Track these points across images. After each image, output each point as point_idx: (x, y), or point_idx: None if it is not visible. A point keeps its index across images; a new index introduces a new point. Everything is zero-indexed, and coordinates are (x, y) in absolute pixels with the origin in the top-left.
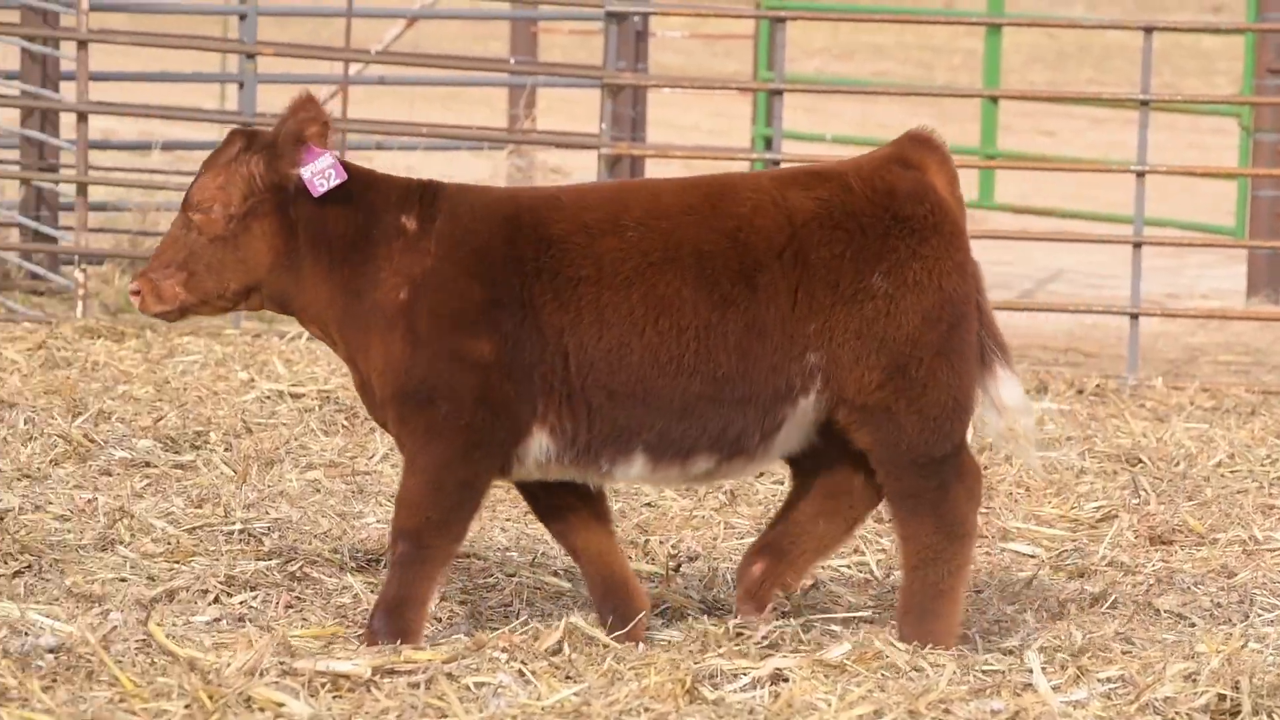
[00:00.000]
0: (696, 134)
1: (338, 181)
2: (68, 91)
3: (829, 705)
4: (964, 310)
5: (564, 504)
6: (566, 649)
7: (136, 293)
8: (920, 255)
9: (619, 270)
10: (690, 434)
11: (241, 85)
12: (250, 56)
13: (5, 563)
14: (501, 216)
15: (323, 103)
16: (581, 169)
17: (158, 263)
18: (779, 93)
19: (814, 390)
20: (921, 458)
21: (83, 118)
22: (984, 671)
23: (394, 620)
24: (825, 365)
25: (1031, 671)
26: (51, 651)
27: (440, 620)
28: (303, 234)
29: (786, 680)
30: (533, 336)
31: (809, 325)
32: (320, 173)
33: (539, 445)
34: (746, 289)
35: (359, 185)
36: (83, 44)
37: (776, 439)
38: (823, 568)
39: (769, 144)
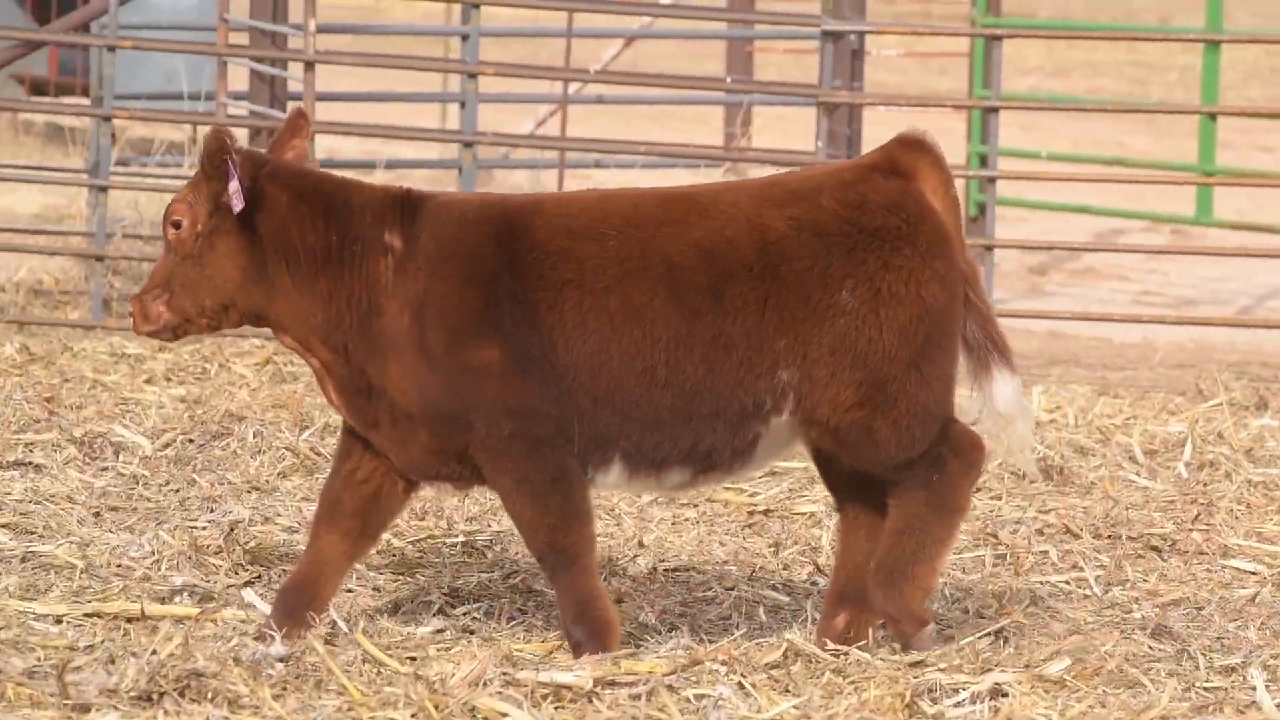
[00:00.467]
0: None
1: (239, 206)
2: None
3: None
4: (944, 321)
5: (342, 510)
6: (786, 663)
7: (131, 314)
8: (893, 267)
9: (599, 276)
10: (663, 446)
11: (463, 105)
12: (472, 76)
13: (236, 573)
14: (486, 222)
15: (542, 120)
16: None
17: (149, 284)
18: (995, 110)
19: (787, 409)
20: (904, 461)
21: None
22: (1206, 688)
23: (585, 624)
24: (798, 383)
25: (1255, 689)
26: (281, 660)
27: (660, 633)
28: (268, 248)
29: (1006, 695)
30: (531, 334)
31: (779, 341)
32: (235, 192)
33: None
34: (713, 302)
35: (331, 196)
36: (309, 65)
37: (752, 456)
38: (1040, 583)
39: (984, 161)
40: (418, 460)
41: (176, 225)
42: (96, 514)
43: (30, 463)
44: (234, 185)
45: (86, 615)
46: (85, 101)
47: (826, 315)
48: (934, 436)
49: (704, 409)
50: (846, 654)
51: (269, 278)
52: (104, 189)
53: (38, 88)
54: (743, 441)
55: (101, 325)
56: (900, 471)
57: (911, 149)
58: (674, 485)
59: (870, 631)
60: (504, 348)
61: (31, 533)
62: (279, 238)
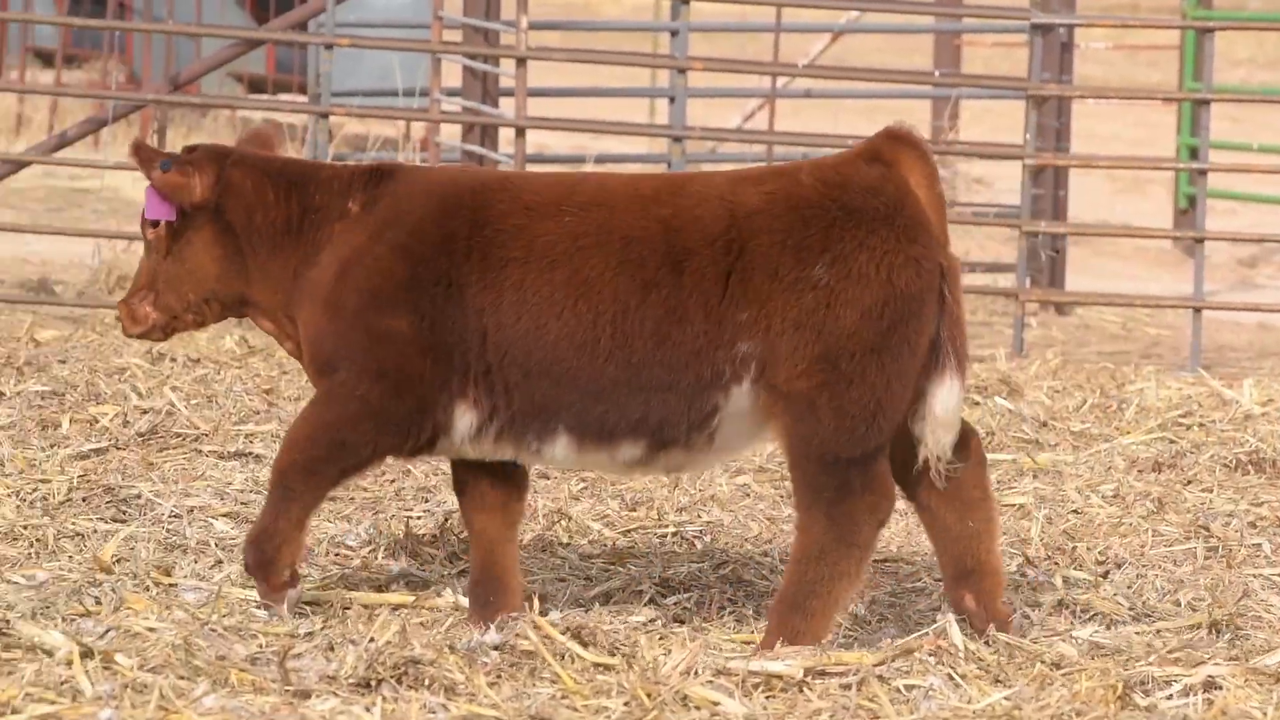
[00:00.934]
0: (1117, 144)
1: (154, 214)
2: (506, 107)
3: (1264, 715)
4: (913, 308)
5: (480, 489)
6: (996, 654)
7: (119, 317)
8: (867, 246)
9: (548, 252)
10: (609, 417)
11: (672, 99)
12: (681, 71)
13: (451, 561)
14: (441, 196)
15: (750, 115)
16: (1005, 180)
17: (134, 286)
18: (1206, 103)
19: (747, 379)
20: (829, 455)
21: (520, 133)
22: None
23: (257, 551)
24: (760, 354)
25: None
26: (496, 648)
27: (869, 624)
28: (240, 234)
29: (1219, 688)
30: (454, 315)
31: (741, 314)
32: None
33: (463, 421)
34: (671, 274)
35: (297, 176)
36: (521, 61)
37: (711, 430)
38: (1253, 575)
39: (1194, 154)
40: None
41: (155, 224)
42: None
43: (250, 453)
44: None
45: (306, 603)
46: (302, 99)
47: (795, 288)
48: (875, 443)
49: (653, 381)
50: (1050, 645)
51: (242, 262)
52: None
53: (256, 85)
54: (699, 414)
55: None
56: (817, 474)
57: (897, 141)
58: (629, 461)
59: (1000, 601)
60: (416, 323)
61: (252, 522)
62: (244, 220)
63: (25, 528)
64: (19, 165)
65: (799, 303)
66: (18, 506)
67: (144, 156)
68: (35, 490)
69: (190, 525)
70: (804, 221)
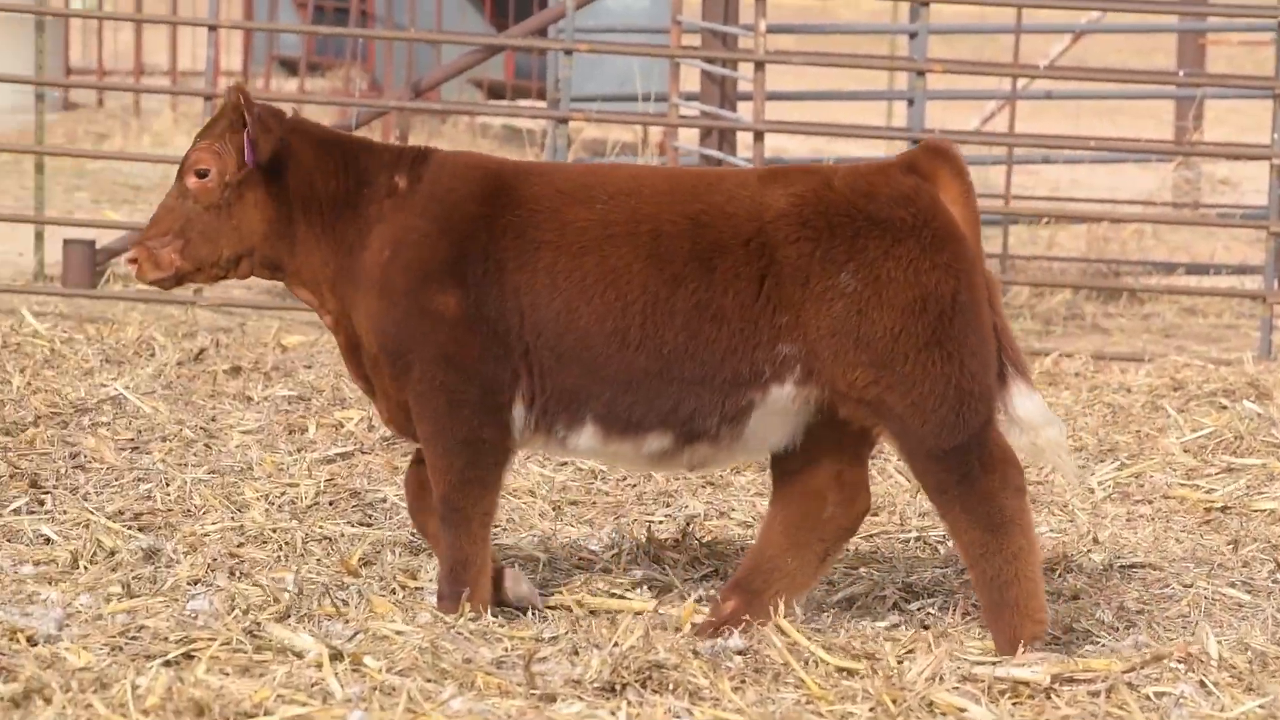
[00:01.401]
0: None
1: (251, 161)
2: (744, 111)
3: None
4: (959, 305)
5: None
6: (1245, 661)
7: (134, 260)
8: (894, 255)
9: (580, 238)
10: (638, 408)
11: (911, 102)
12: (920, 74)
13: (693, 566)
14: (480, 177)
15: (989, 117)
16: (1251, 181)
17: (154, 230)
18: None
19: (790, 381)
20: (935, 450)
21: (759, 137)
22: None
23: (454, 584)
24: (804, 358)
25: None
26: (740, 653)
27: (1116, 630)
28: (294, 198)
29: None
30: (494, 291)
31: (781, 317)
32: (248, 146)
33: (517, 408)
34: (702, 270)
35: (350, 150)
36: (760, 65)
37: (745, 425)
38: None
39: None
40: (394, 416)
41: (201, 174)
42: (556, 508)
43: None
44: (247, 139)
45: (550, 607)
46: (541, 104)
47: (825, 296)
48: (975, 425)
49: (685, 374)
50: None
51: (293, 229)
52: None
53: (495, 91)
54: (733, 408)
55: None
56: (934, 469)
57: (935, 155)
58: (654, 454)
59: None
60: (462, 299)
61: (495, 526)
62: (303, 188)
63: (274, 531)
64: None
65: (830, 311)
66: (266, 510)
67: (249, 101)
68: (283, 494)
69: None
70: (830, 229)
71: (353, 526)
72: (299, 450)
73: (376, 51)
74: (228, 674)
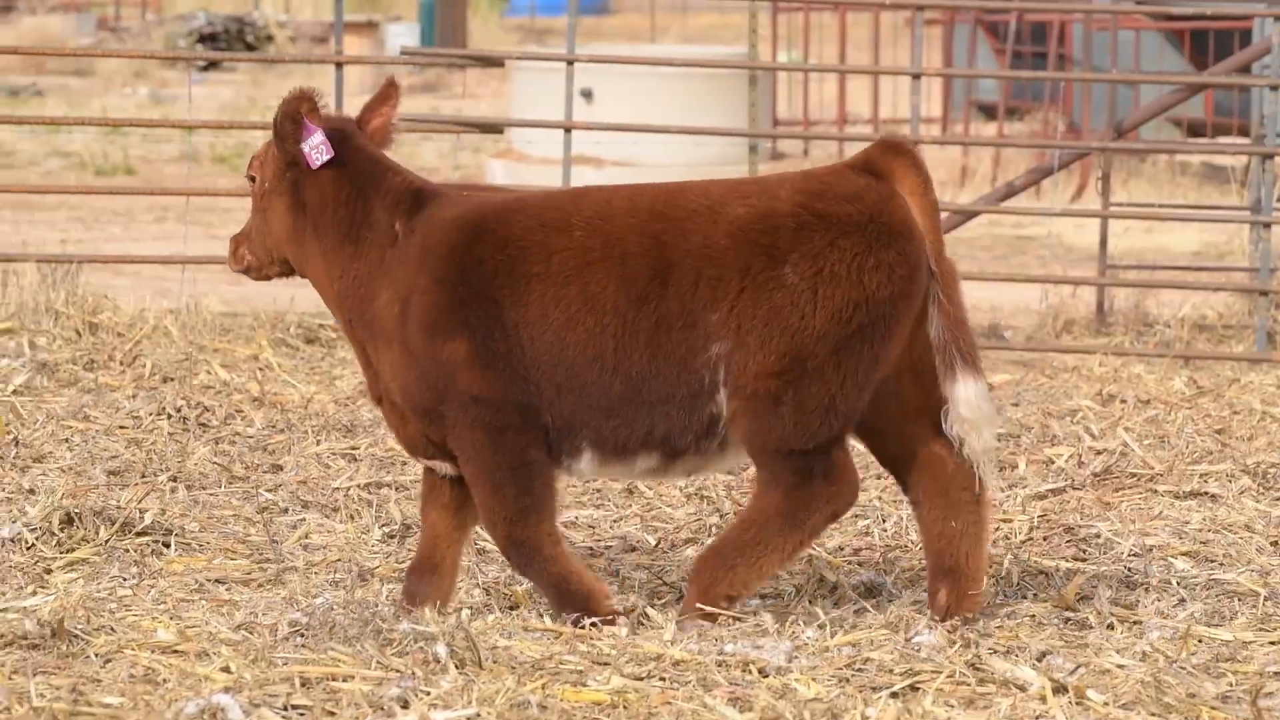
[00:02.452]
0: None
1: (328, 156)
2: None
3: None
4: (884, 313)
5: (439, 487)
6: None
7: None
8: (838, 247)
9: (563, 267)
10: (622, 432)
11: None
12: None
13: None
14: (467, 222)
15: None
16: None
17: (244, 228)
18: None
19: (722, 383)
20: (786, 450)
21: None
22: None
23: (569, 604)
24: (729, 353)
25: None
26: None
27: None
28: (308, 213)
29: None
30: (496, 329)
31: (713, 314)
32: (315, 147)
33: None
34: (659, 287)
35: (363, 177)
36: None
37: (717, 436)
38: None
39: None
40: (415, 441)
41: (252, 179)
42: (1274, 543)
43: (1206, 493)
44: (316, 139)
45: (1272, 642)
46: (1243, 140)
47: (765, 287)
48: (828, 437)
49: (653, 394)
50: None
51: (304, 240)
52: (1266, 225)
53: (1194, 129)
54: (700, 423)
55: (1267, 358)
56: (777, 462)
57: (890, 151)
58: (647, 471)
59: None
60: (470, 341)
61: (1212, 560)
62: (316, 206)
63: (990, 565)
64: (967, 215)
65: (769, 300)
66: None
67: (315, 103)
68: (997, 529)
69: (1150, 564)
70: (775, 228)
71: (1067, 562)
72: (1010, 486)
73: (1075, 94)
74: (952, 705)
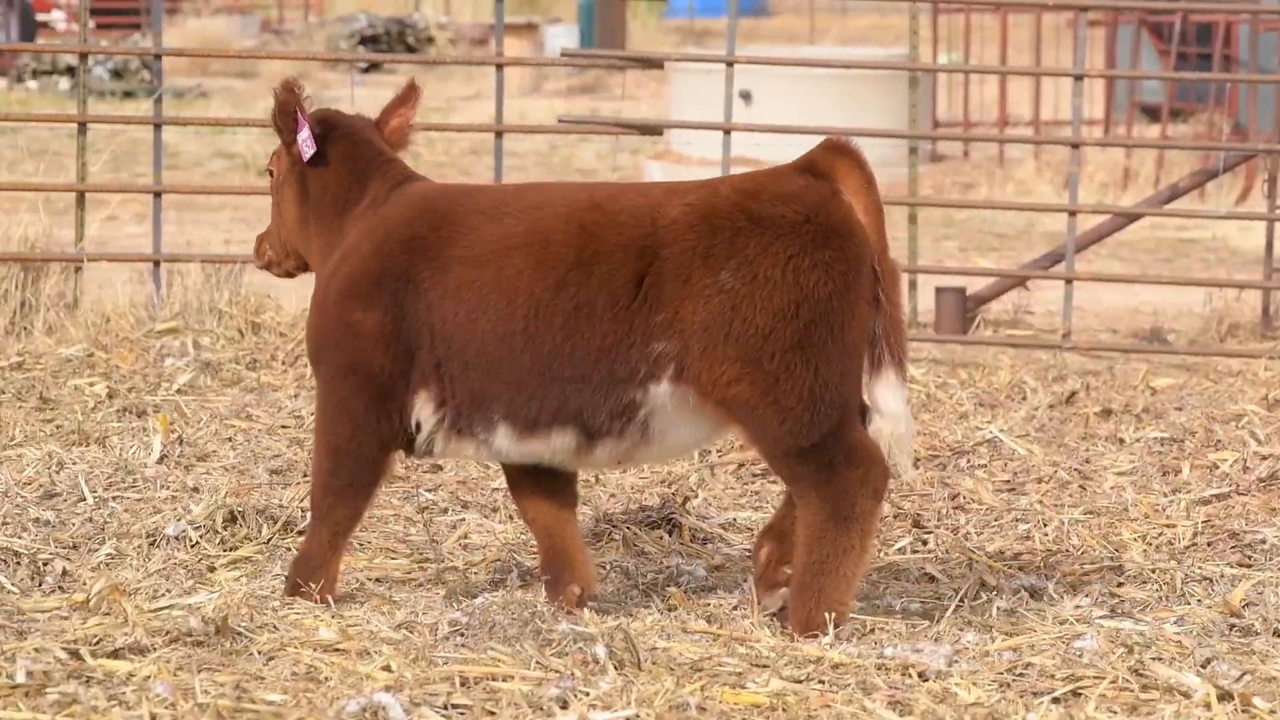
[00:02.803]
0: None
1: (311, 150)
2: None
3: None
4: (832, 309)
5: (531, 480)
6: None
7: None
8: (772, 251)
9: (484, 251)
10: (533, 408)
11: None
12: None
13: None
14: (421, 200)
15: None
16: None
17: (269, 227)
18: None
19: (665, 378)
20: (792, 448)
21: None
22: None
23: (294, 577)
24: (678, 356)
25: None
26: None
27: None
28: (311, 203)
29: None
30: (413, 309)
31: (657, 315)
32: (304, 141)
33: (424, 414)
34: (582, 274)
35: (361, 165)
36: None
37: (641, 423)
38: None
39: None
40: None
41: (271, 174)
42: None
43: None
44: (304, 134)
45: None
46: None
47: (704, 294)
48: (827, 427)
49: (565, 372)
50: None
51: (308, 230)
52: None
53: None
54: (618, 406)
55: None
56: (791, 464)
57: (832, 152)
58: (566, 450)
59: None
60: (381, 318)
61: None
62: (317, 195)
63: (1153, 571)
64: (1130, 218)
65: (707, 307)
66: (1144, 550)
67: (300, 99)
68: (1160, 535)
69: None
70: (713, 230)
71: (1232, 568)
72: (1174, 491)
73: (1240, 95)
74: (1115, 712)
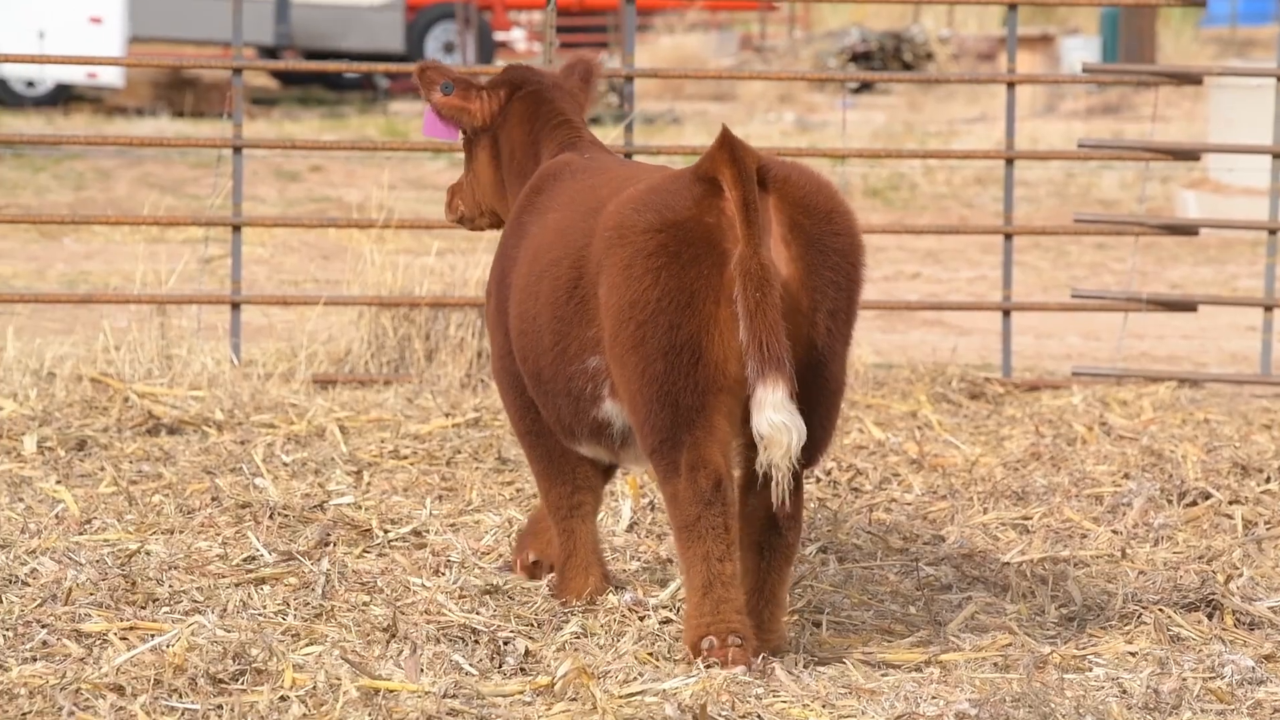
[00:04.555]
0: None
1: (429, 133)
2: None
3: None
4: (660, 308)
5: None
6: None
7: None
8: (613, 258)
9: (521, 251)
10: (550, 414)
11: None
12: None
13: None
14: (532, 184)
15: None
16: None
17: (459, 178)
18: None
19: (609, 395)
20: (646, 449)
21: None
22: None
23: (560, 579)
24: (608, 369)
25: None
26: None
27: None
28: (503, 163)
29: None
30: (505, 300)
31: (589, 329)
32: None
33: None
34: (549, 282)
35: (552, 129)
36: None
37: (612, 437)
38: None
39: None
40: None
41: (464, 133)
42: None
43: None
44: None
45: None
46: None
47: (597, 305)
48: (663, 428)
49: (547, 385)
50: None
51: (503, 191)
52: None
53: None
54: (589, 422)
55: None
56: (652, 466)
57: (715, 148)
58: (603, 454)
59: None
60: (498, 302)
61: None
62: (507, 154)
63: None
64: None
65: (596, 320)
66: None
67: (427, 78)
68: None
69: None
70: (602, 239)
71: None
72: None
73: None
74: None
